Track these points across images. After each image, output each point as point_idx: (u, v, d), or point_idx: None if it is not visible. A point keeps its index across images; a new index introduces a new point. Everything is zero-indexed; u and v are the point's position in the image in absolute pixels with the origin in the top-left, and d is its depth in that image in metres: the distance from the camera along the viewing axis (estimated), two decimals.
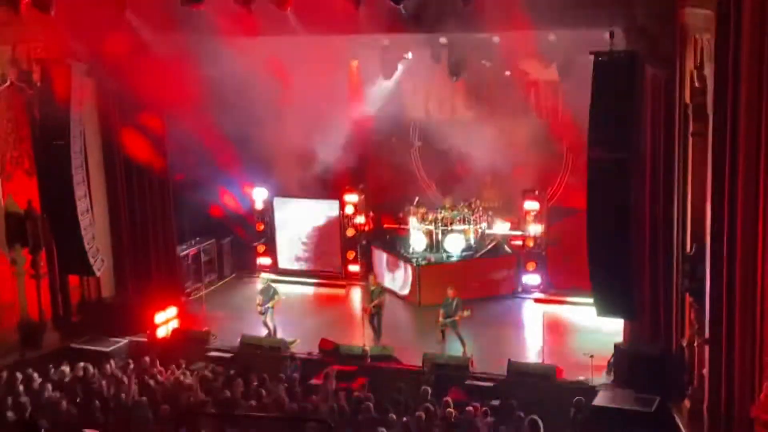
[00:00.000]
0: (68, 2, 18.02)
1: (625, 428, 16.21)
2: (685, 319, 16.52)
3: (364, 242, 24.90)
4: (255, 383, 17.09)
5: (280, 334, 20.70)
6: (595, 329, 20.07)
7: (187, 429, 10.23)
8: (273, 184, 25.29)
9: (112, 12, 18.86)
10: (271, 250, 25.30)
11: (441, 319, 19.98)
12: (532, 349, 19.83)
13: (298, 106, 23.23)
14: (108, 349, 20.02)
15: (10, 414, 15.41)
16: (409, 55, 22.91)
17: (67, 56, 19.73)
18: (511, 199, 24.67)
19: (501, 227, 24.71)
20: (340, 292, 24.32)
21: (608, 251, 16.90)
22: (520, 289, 23.22)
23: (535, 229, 23.08)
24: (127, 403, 16.15)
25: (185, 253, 24.20)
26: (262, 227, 25.36)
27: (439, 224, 23.65)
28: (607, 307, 17.73)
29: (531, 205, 22.98)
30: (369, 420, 15.32)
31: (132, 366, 18.29)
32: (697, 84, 14.98)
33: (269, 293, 21.13)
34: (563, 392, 17.13)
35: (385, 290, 20.88)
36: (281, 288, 21.96)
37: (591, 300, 18.12)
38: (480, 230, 23.99)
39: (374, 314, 20.64)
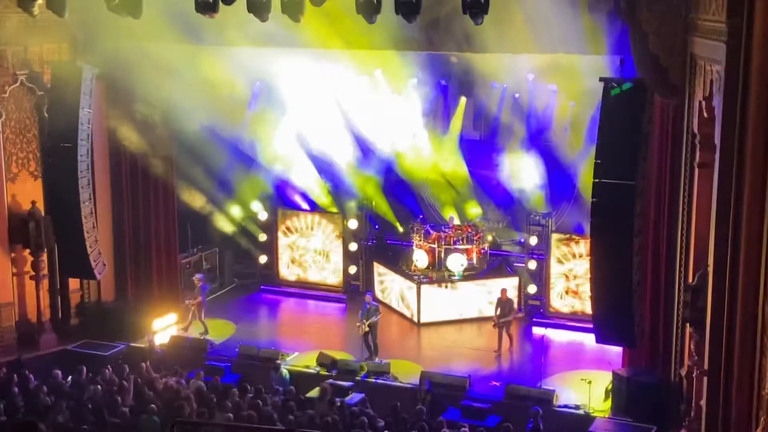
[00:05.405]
0: (81, 5, 18.08)
1: None
2: (685, 349, 16.47)
3: (366, 257, 24.85)
4: (250, 394, 17.05)
5: (276, 346, 20.61)
6: (594, 355, 20.05)
7: None
8: (277, 196, 25.29)
9: (125, 17, 18.90)
10: (272, 262, 25.26)
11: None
12: (530, 372, 19.76)
13: (305, 115, 23.28)
14: (106, 354, 19.97)
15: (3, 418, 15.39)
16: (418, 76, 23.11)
17: (78, 59, 19.80)
18: (516, 221, 24.63)
19: (504, 248, 24.68)
20: (340, 305, 24.29)
21: (610, 278, 16.89)
22: (521, 312, 23.14)
23: (538, 251, 23.02)
24: (124, 409, 16.10)
25: (187, 260, 24.17)
26: (264, 238, 25.32)
27: (442, 242, 23.59)
28: (607, 334, 17.70)
29: (535, 229, 22.94)
30: None
31: (129, 372, 18.24)
32: (705, 114, 14.96)
33: None
34: (560, 418, 17.06)
35: (379, 308, 20.79)
36: (281, 299, 21.90)
37: (591, 325, 18.10)
38: (483, 250, 23.94)
39: (368, 332, 20.30)
